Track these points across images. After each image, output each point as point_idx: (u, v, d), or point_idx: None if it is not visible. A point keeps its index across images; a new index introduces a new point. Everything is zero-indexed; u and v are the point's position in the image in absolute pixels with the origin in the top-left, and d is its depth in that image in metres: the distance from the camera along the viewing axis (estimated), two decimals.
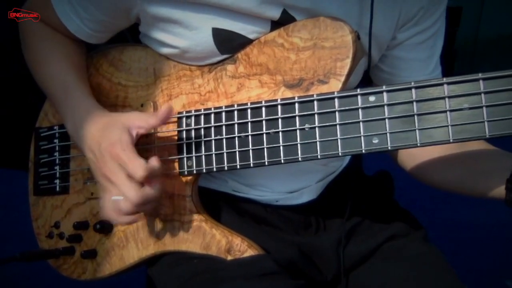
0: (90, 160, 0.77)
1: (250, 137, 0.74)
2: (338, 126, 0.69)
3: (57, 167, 0.94)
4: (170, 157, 0.80)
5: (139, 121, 0.74)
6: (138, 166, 0.70)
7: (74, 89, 0.84)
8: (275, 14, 0.74)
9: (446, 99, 0.64)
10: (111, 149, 0.72)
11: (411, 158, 0.89)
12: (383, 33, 0.81)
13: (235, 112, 0.75)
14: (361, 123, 0.68)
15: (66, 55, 0.88)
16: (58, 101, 0.86)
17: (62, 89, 0.85)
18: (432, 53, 0.88)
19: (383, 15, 0.78)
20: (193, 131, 0.79)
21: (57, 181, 0.94)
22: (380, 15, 0.77)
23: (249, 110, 0.74)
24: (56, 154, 0.94)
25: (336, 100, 0.69)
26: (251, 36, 0.76)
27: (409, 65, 0.87)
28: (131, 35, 0.91)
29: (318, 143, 0.70)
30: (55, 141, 0.95)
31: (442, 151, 0.83)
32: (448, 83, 0.64)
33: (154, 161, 0.72)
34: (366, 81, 0.87)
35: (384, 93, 0.67)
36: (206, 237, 0.79)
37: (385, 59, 0.88)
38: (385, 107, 0.67)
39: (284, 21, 0.74)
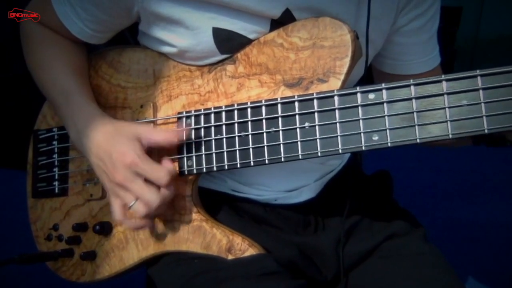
0: (97, 167, 0.78)
1: (250, 136, 0.74)
2: (338, 124, 0.69)
3: (55, 169, 0.94)
4: (170, 157, 0.80)
5: (148, 133, 0.76)
6: (162, 173, 0.73)
7: (75, 94, 0.83)
8: (276, 12, 0.74)
9: (445, 95, 0.65)
10: (124, 158, 0.73)
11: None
12: (383, 16, 0.81)
13: (235, 112, 0.75)
14: (360, 121, 0.68)
15: (68, 60, 0.87)
16: (59, 106, 0.85)
17: (63, 94, 0.84)
18: (432, 34, 0.90)
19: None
20: (193, 131, 0.78)
21: (56, 183, 0.94)
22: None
23: (249, 109, 0.74)
24: (55, 156, 0.94)
25: (335, 98, 0.70)
26: (251, 36, 0.76)
27: (411, 49, 0.89)
28: (131, 36, 0.91)
29: (318, 140, 0.70)
30: (53, 143, 0.95)
31: None
32: (447, 80, 0.65)
33: (170, 164, 0.76)
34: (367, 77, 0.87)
35: (384, 91, 0.67)
36: (207, 237, 0.79)
37: (387, 46, 0.89)
38: (385, 104, 0.67)
39: (284, 20, 0.74)
